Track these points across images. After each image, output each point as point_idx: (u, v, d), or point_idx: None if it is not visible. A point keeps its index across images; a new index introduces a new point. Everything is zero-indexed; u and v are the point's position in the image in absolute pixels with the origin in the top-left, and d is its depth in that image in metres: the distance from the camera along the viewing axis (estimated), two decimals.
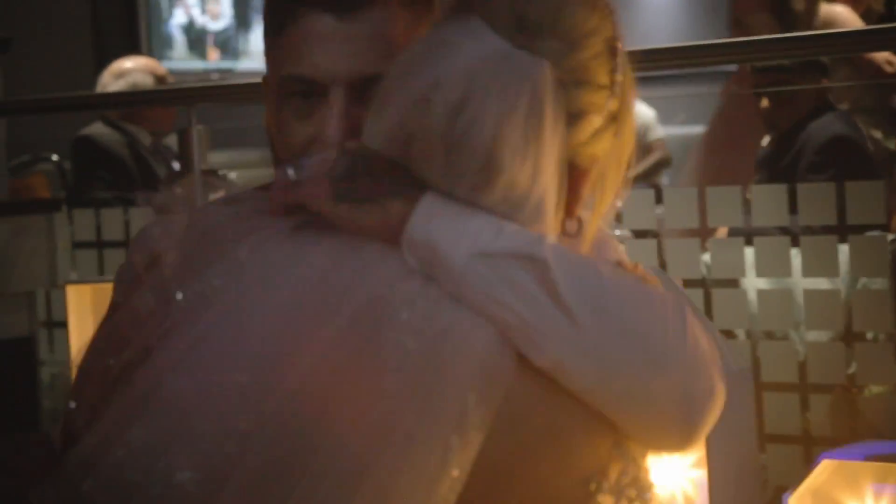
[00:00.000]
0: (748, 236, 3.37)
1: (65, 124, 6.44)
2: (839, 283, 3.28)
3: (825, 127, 4.45)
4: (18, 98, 5.49)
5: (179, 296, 1.41)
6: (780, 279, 3.33)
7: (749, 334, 3.35)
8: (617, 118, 1.49)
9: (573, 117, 1.44)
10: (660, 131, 6.90)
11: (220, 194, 5.11)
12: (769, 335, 3.34)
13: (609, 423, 1.42)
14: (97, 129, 5.39)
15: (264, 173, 6.60)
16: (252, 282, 1.40)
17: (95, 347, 1.52)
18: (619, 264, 1.49)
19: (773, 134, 4.64)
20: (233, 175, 5.79)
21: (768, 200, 3.35)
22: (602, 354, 1.39)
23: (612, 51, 1.48)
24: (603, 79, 1.46)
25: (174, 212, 1.53)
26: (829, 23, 5.31)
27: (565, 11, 1.46)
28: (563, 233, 1.50)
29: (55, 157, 5.97)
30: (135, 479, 1.34)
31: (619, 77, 1.48)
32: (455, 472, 1.34)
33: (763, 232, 3.38)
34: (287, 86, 1.60)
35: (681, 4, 9.74)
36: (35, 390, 4.22)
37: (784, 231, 3.36)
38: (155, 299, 1.44)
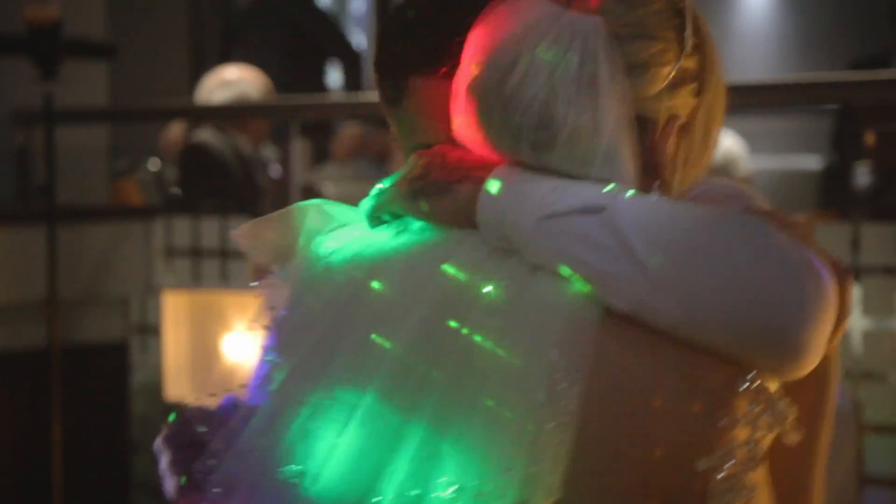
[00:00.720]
0: (855, 274, 3.32)
1: (162, 130, 6.50)
2: None
3: None
4: (124, 105, 5.55)
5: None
6: (885, 320, 3.27)
7: (850, 374, 3.30)
8: (698, 78, 1.48)
9: (635, 69, 1.43)
10: (747, 166, 6.81)
11: None
12: (869, 375, 3.28)
13: (721, 357, 1.39)
14: (208, 136, 5.41)
15: (359, 187, 6.65)
16: (348, 297, 1.46)
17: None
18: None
19: (879, 171, 4.58)
20: (330, 188, 5.81)
21: (877, 239, 3.30)
22: (678, 286, 1.37)
23: (678, 11, 1.47)
24: (667, 34, 1.45)
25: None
26: None
27: None
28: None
29: (156, 164, 6.01)
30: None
31: (688, 35, 1.46)
32: (551, 426, 1.34)
33: (870, 270, 3.33)
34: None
35: (779, 4, 9.66)
36: (126, 396, 4.24)
37: (891, 271, 3.30)
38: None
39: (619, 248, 1.38)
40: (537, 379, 1.35)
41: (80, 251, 4.22)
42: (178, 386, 3.75)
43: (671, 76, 1.45)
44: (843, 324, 1.45)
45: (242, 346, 3.68)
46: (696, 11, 1.49)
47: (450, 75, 1.54)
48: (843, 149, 6.15)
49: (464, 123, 1.48)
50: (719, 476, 1.36)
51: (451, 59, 1.55)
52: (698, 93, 1.48)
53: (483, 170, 1.45)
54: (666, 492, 1.36)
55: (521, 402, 1.35)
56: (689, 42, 1.46)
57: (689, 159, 1.50)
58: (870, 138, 4.56)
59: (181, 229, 4.56)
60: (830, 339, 1.43)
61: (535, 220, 1.41)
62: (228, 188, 5.24)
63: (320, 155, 6.94)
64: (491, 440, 1.35)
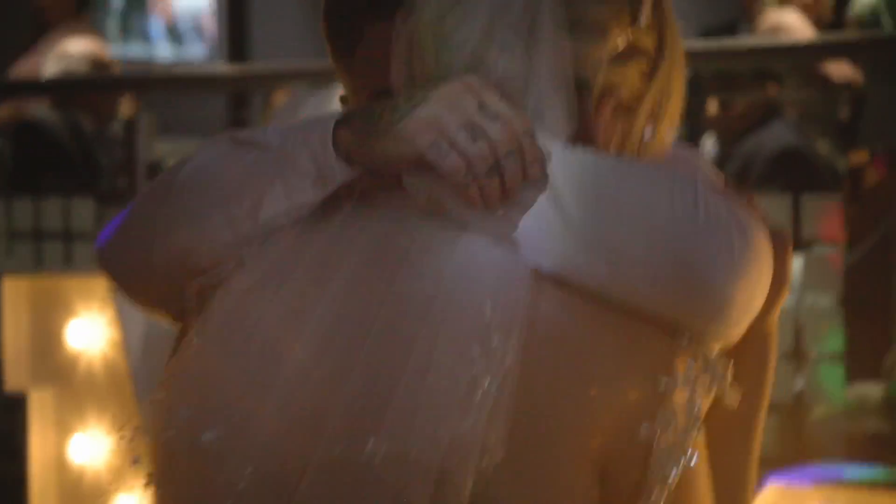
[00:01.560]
0: None
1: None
2: (787, 299, 3.25)
3: (776, 137, 4.44)
4: None
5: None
6: None
7: None
8: (651, 60, 1.43)
9: (580, 28, 1.39)
10: None
11: None
12: None
13: (654, 316, 1.36)
14: (42, 112, 5.29)
15: None
16: (275, 252, 1.41)
17: None
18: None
19: (720, 141, 4.63)
20: None
21: None
22: (605, 240, 1.34)
23: None
24: (618, 1, 1.41)
25: None
26: (778, 30, 5.31)
27: None
28: None
29: None
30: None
31: (644, 7, 1.41)
32: (486, 383, 1.29)
33: None
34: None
35: None
36: None
37: None
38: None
39: (546, 202, 1.35)
40: (470, 333, 1.31)
41: None
42: (18, 376, 3.66)
43: (617, 46, 1.40)
44: (782, 295, 1.43)
45: (86, 334, 3.60)
46: None
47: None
48: (691, 119, 6.21)
49: (399, 63, 1.42)
50: (661, 441, 1.33)
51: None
52: (649, 76, 1.43)
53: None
54: (607, 457, 1.33)
55: (454, 357, 1.30)
56: (644, 15, 1.41)
57: (627, 144, 1.44)
58: (712, 107, 4.60)
59: (22, 211, 4.45)
60: (768, 310, 1.42)
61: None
62: (65, 167, 5.12)
63: (165, 129, 6.84)
64: (422, 397, 1.30)
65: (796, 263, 3.28)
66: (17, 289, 3.77)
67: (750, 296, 1.37)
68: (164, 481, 1.40)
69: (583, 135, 1.41)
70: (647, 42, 1.43)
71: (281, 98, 6.03)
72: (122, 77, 5.40)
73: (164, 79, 5.34)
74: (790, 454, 3.14)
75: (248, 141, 1.43)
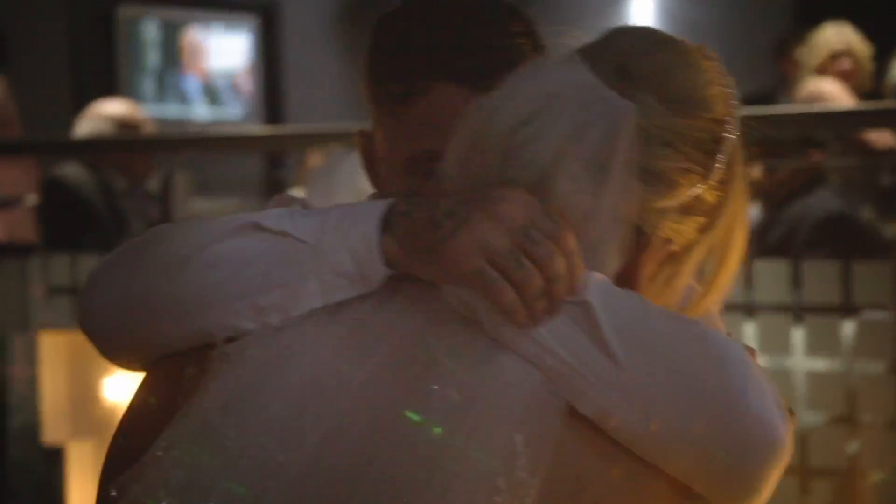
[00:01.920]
0: (748, 312, 3.31)
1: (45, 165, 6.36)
2: (839, 365, 3.22)
3: (821, 203, 4.41)
4: None
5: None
6: (779, 358, 3.27)
7: None
8: (710, 214, 1.39)
9: (650, 175, 1.35)
10: None
11: None
12: None
13: (670, 479, 1.33)
14: (70, 170, 5.29)
15: None
16: (297, 330, 1.36)
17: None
18: None
19: (765, 207, 4.60)
20: None
21: (769, 276, 3.29)
22: (647, 397, 1.30)
23: (717, 139, 1.38)
24: (696, 156, 1.37)
25: None
26: (817, 98, 5.28)
27: (675, 72, 1.38)
28: None
29: (33, 199, 5.87)
30: None
31: (718, 167, 1.38)
32: None
33: (764, 308, 3.33)
34: (421, 162, 1.49)
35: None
36: (4, 437, 4.10)
37: (785, 308, 3.30)
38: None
39: (594, 346, 1.30)
40: (497, 461, 1.26)
41: None
42: (57, 430, 3.64)
43: (683, 200, 1.37)
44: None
45: (123, 388, 3.57)
46: (737, 148, 1.40)
47: (478, 86, 1.45)
48: None
49: (457, 157, 1.38)
50: None
51: (484, 77, 1.45)
52: (703, 229, 1.40)
53: None
54: None
55: (478, 480, 1.25)
56: (717, 174, 1.38)
57: (667, 294, 1.41)
58: (756, 174, 4.57)
59: (59, 267, 4.43)
60: None
61: None
62: (93, 224, 5.11)
63: (204, 188, 6.87)
64: None
65: (848, 329, 3.24)
66: (55, 344, 3.76)
67: (777, 477, 1.35)
68: None
69: (627, 277, 1.38)
70: (710, 198, 1.39)
71: (315, 159, 6.02)
72: (156, 137, 5.39)
73: (199, 139, 5.34)
74: None
75: (275, 229, 1.38)
